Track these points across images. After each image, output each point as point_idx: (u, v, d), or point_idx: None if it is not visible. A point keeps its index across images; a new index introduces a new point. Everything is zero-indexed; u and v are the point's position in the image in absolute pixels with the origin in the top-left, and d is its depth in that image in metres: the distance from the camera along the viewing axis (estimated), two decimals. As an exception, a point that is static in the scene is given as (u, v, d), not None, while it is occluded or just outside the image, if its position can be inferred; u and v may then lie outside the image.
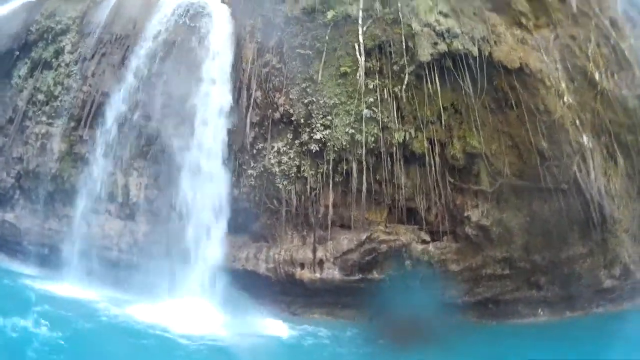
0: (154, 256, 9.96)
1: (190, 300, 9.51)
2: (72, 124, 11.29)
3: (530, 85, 10.06)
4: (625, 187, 10.27)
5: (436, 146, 9.65)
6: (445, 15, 9.95)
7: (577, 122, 10.36)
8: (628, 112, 10.41)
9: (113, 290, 10.01)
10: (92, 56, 11.38)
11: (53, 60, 11.92)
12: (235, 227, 9.96)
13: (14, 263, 11.38)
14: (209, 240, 9.78)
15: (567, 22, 10.90)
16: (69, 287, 10.16)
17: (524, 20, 10.78)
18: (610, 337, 9.35)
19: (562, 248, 9.96)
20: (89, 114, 10.99)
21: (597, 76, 10.89)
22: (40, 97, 11.81)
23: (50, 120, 11.59)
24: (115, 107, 10.65)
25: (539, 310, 10.21)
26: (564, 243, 9.98)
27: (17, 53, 12.40)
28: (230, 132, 10.07)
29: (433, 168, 9.59)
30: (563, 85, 10.54)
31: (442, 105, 9.71)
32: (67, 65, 11.74)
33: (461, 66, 9.75)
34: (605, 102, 10.53)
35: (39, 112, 11.80)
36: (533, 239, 9.89)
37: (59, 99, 11.59)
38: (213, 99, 10.14)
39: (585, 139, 10.43)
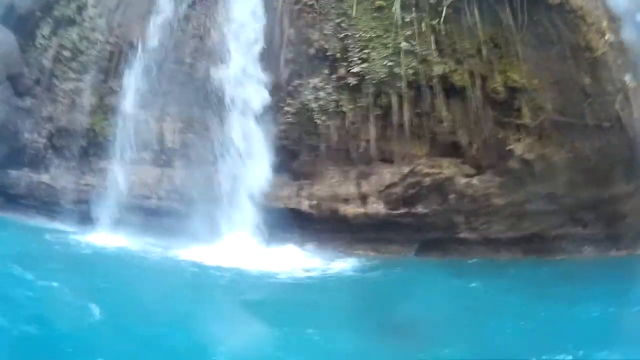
0: (194, 200, 9.92)
1: (234, 241, 9.48)
2: (101, 76, 11.18)
3: (571, 22, 9.62)
4: (668, 126, 10.00)
5: (477, 79, 9.34)
6: (484, -56, 9.64)
7: (620, 61, 10.05)
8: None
9: (155, 238, 9.98)
10: (117, 7, 11.19)
11: (76, 15, 11.73)
12: (275, 165, 9.84)
13: (54, 223, 11.43)
14: (249, 180, 9.69)
15: (609, -42, 10.56)
16: (111, 238, 10.18)
17: (563, -45, 10.48)
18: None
19: (606, 186, 9.71)
20: (117, 65, 10.87)
21: (638, 17, 10.59)
22: (67, 53, 11.70)
23: (78, 76, 11.50)
24: (144, 55, 10.46)
25: (584, 247, 10.00)
26: (608, 181, 9.72)
27: (39, 14, 12.30)
28: (265, 70, 9.86)
29: (474, 101, 9.31)
30: (604, 23, 10.22)
31: (482, 38, 9.36)
32: (92, 19, 11.55)
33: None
34: (647, 42, 10.22)
35: (66, 68, 11.72)
36: (576, 175, 9.64)
37: (86, 53, 11.48)
38: (246, 39, 9.92)
39: (627, 77, 10.14)
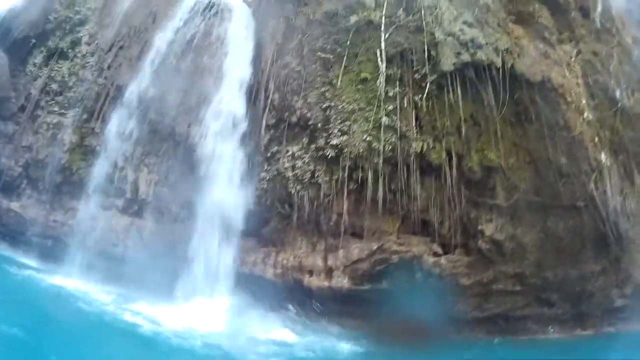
0: (160, 255, 9.77)
1: (194, 302, 9.37)
2: (85, 115, 11.22)
3: (551, 100, 9.93)
4: (640, 206, 10.15)
5: (453, 158, 9.49)
6: (470, 25, 9.80)
7: (597, 139, 10.27)
8: (647, 131, 10.32)
9: (115, 286, 9.87)
10: (110, 48, 11.34)
11: (69, 50, 11.88)
12: (244, 230, 9.79)
13: (17, 253, 11.26)
14: (216, 242, 9.61)
15: (589, 38, 10.84)
16: (70, 280, 10.02)
17: (547, 34, 10.69)
18: (619, 357, 9.18)
19: (575, 265, 9.84)
20: (102, 107, 10.93)
21: (617, 93, 10.80)
22: (54, 86, 11.78)
23: (62, 111, 11.53)
24: (129, 102, 10.55)
25: (549, 327, 10.04)
26: (577, 260, 9.86)
27: (34, 41, 12.32)
28: (244, 134, 9.94)
29: (449, 180, 9.43)
30: (584, 101, 10.44)
31: (462, 116, 9.56)
32: (84, 56, 11.70)
33: (484, 77, 9.62)
34: (624, 120, 10.42)
35: (52, 101, 11.75)
36: (546, 255, 9.76)
37: (73, 89, 11.55)
38: (229, 100, 10.01)
39: (603, 156, 10.31)
